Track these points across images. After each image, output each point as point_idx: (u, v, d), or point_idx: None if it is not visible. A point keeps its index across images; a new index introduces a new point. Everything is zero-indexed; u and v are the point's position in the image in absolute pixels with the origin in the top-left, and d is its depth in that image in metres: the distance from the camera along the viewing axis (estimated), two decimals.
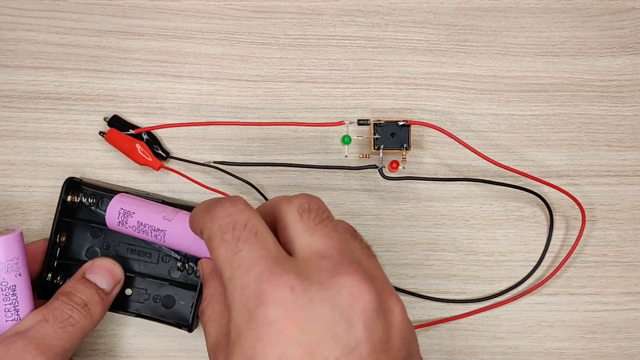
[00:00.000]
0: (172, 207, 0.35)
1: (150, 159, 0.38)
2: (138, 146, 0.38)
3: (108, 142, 0.38)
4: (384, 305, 0.25)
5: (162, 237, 0.34)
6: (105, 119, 0.39)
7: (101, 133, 0.38)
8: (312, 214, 0.27)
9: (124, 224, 0.35)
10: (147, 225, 0.34)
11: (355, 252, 0.28)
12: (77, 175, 0.37)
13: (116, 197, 0.35)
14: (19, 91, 0.39)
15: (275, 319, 0.23)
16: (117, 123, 0.39)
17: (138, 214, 0.34)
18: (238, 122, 0.39)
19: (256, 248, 0.25)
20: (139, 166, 0.39)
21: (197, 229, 0.28)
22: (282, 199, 0.28)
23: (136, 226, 0.34)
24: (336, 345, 0.23)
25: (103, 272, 0.35)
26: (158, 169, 0.38)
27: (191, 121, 0.39)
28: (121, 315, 0.37)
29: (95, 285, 0.34)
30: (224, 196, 0.32)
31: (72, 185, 0.36)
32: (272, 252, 0.25)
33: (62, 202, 0.36)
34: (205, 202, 0.28)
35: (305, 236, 0.26)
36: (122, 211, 0.35)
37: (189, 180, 0.38)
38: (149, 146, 0.38)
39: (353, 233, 0.29)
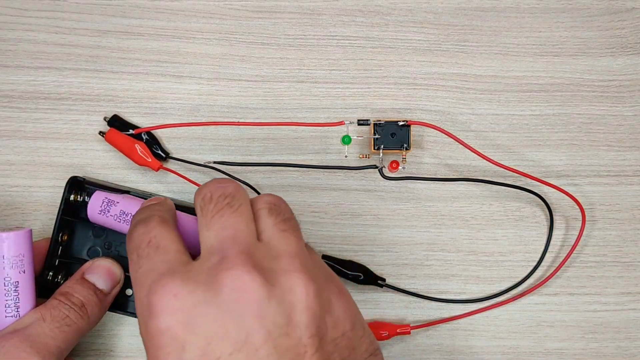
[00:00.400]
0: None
1: (150, 160, 0.38)
2: (137, 147, 0.38)
3: (108, 142, 0.38)
4: (279, 288, 0.25)
5: None
6: (105, 119, 0.39)
7: (101, 133, 0.38)
8: (211, 204, 0.27)
9: (106, 212, 0.35)
10: (130, 215, 0.34)
11: (266, 230, 0.27)
12: (84, 176, 0.37)
13: (99, 190, 0.36)
14: (19, 91, 0.39)
15: (165, 328, 0.24)
16: (117, 123, 0.39)
17: (122, 204, 0.35)
18: (238, 122, 0.39)
19: (153, 262, 0.26)
20: (139, 166, 0.39)
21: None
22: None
23: (118, 215, 0.34)
24: (227, 341, 0.24)
25: (102, 273, 0.35)
26: (157, 170, 0.38)
27: (191, 121, 0.39)
28: (121, 315, 0.37)
29: (94, 285, 0.34)
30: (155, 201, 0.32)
31: (75, 184, 0.36)
32: (169, 263, 0.26)
33: (65, 200, 0.36)
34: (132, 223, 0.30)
35: (203, 232, 0.27)
36: (106, 200, 0.35)
37: (189, 181, 0.38)
38: (148, 147, 0.38)
39: (272, 207, 0.28)
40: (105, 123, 0.39)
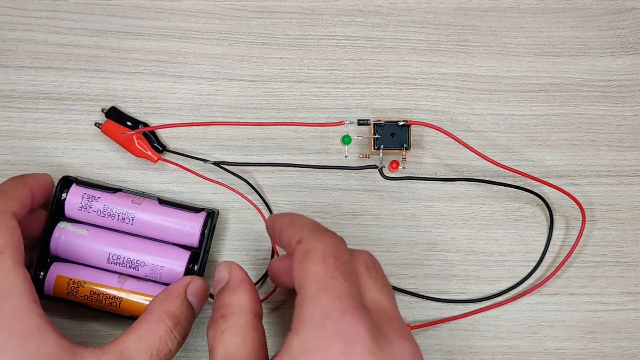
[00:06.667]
0: (136, 195, 0.36)
1: (149, 152, 0.37)
2: (135, 138, 0.37)
3: (104, 133, 0.38)
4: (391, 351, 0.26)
5: (131, 221, 0.35)
6: (102, 110, 0.38)
7: (97, 124, 0.38)
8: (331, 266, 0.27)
9: (88, 208, 0.35)
10: (115, 209, 0.34)
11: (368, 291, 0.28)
12: (77, 175, 0.37)
13: (76, 184, 0.36)
14: (19, 91, 0.39)
15: (340, 355, 0.24)
16: (114, 115, 0.38)
17: (104, 199, 0.35)
18: (238, 122, 0.39)
19: (348, 285, 0.26)
20: (139, 166, 0.39)
21: (289, 235, 0.29)
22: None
23: (102, 210, 0.34)
24: None
25: (202, 297, 0.33)
26: (156, 162, 0.38)
27: (191, 121, 0.39)
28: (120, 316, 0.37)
29: (194, 310, 0.32)
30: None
31: (67, 183, 0.36)
32: (357, 296, 0.26)
33: (56, 200, 0.36)
34: (306, 218, 0.30)
35: (373, 291, 0.28)
36: (85, 196, 0.35)
37: (188, 181, 0.38)
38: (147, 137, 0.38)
39: (369, 267, 0.29)
40: (103, 114, 0.39)
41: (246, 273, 0.30)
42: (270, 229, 0.32)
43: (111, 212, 0.35)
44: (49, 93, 0.39)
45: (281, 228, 0.30)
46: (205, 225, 0.36)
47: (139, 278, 0.36)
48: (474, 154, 0.38)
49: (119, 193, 0.36)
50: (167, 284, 0.35)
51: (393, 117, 0.40)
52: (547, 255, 0.39)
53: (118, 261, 0.35)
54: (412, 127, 0.38)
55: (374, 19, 0.41)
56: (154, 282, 0.36)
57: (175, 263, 0.35)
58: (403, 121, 0.38)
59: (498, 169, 0.38)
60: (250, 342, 0.27)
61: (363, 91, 0.40)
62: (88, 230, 0.36)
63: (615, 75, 0.41)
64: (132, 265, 0.35)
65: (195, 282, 0.32)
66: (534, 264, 0.39)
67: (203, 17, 0.40)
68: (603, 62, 0.41)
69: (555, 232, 0.39)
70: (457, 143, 0.38)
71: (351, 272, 0.27)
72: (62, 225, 0.36)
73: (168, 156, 0.39)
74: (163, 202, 0.36)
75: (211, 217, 0.36)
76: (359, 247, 0.39)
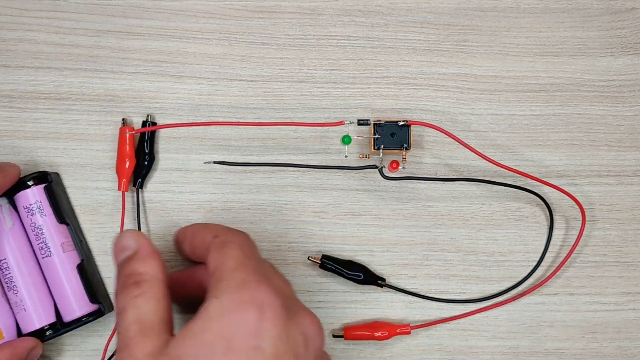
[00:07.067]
0: (73, 242, 0.37)
1: (123, 180, 0.38)
2: (127, 162, 0.38)
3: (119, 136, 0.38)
4: None
5: (45, 254, 0.36)
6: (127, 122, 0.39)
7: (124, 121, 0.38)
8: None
9: (29, 212, 0.35)
10: (46, 235, 0.36)
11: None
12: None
13: (45, 188, 0.36)
14: (19, 91, 0.39)
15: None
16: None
17: (47, 220, 0.36)
18: (238, 122, 0.39)
19: (262, 267, 0.30)
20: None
21: (203, 235, 0.32)
22: None
23: (36, 225, 0.36)
24: None
25: None
26: (119, 189, 0.38)
27: (191, 121, 0.39)
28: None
29: None
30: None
31: (44, 179, 0.36)
32: (268, 277, 0.29)
33: (22, 182, 0.36)
34: (217, 223, 0.33)
35: (278, 281, 0.32)
36: (37, 202, 0.36)
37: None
38: (139, 169, 0.38)
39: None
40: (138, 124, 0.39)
41: (153, 243, 0.31)
42: (181, 236, 0.33)
43: (40, 234, 0.36)
44: (49, 93, 0.39)
45: (193, 232, 0.32)
46: (79, 320, 0.36)
47: None
48: (474, 154, 0.38)
49: (63, 226, 0.36)
50: (8, 328, 0.35)
51: (393, 117, 0.40)
52: (547, 255, 0.39)
53: (4, 270, 0.35)
54: (412, 127, 0.38)
55: (374, 19, 0.41)
56: (7, 310, 0.36)
57: (38, 317, 0.35)
58: (403, 121, 0.38)
59: (498, 169, 0.38)
60: (163, 308, 0.28)
61: (363, 91, 0.40)
62: (13, 225, 0.36)
63: (615, 75, 0.41)
64: (9, 284, 0.35)
65: (38, 350, 0.35)
66: (534, 264, 0.39)
67: (203, 17, 0.40)
68: (603, 62, 0.41)
69: (555, 232, 0.39)
70: (457, 143, 0.38)
71: (263, 262, 0.30)
72: (2, 202, 0.36)
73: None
74: (81, 268, 0.36)
75: (95, 316, 0.36)
76: (359, 247, 0.39)
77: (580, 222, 0.39)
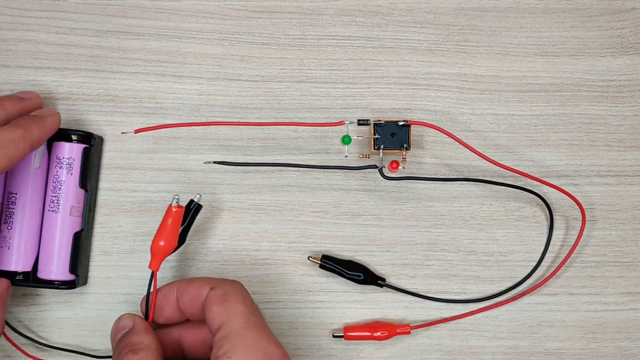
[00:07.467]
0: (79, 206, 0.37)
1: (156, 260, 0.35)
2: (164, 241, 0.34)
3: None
4: None
5: (55, 206, 0.36)
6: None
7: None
8: None
9: (63, 164, 0.36)
10: (62, 190, 0.36)
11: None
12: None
13: (85, 150, 0.37)
14: (19, 91, 0.39)
15: None
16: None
17: (72, 178, 0.36)
18: (238, 122, 0.39)
19: (262, 321, 0.32)
20: (139, 166, 0.39)
21: (195, 289, 0.33)
22: None
23: (57, 178, 0.36)
24: None
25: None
26: (149, 267, 0.35)
27: (191, 121, 0.39)
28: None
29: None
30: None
31: (88, 140, 0.37)
32: (269, 329, 0.32)
33: (66, 133, 0.37)
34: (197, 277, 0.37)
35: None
36: (69, 159, 0.36)
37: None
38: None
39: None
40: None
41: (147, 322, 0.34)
42: (163, 298, 0.34)
43: (58, 188, 0.36)
44: (49, 93, 0.39)
45: (179, 290, 0.33)
46: (51, 282, 0.36)
47: None
48: (474, 154, 0.38)
49: (82, 191, 0.37)
50: None
51: (393, 117, 0.40)
52: (547, 255, 0.39)
53: (9, 204, 0.36)
54: (412, 127, 0.38)
55: (374, 19, 0.41)
56: None
57: (17, 260, 0.36)
58: (403, 121, 0.38)
59: (498, 169, 0.38)
60: None
61: (363, 91, 0.40)
62: (39, 167, 0.36)
63: (615, 75, 0.41)
64: (7, 218, 0.36)
65: (10, 292, 0.35)
66: (534, 264, 0.39)
67: (203, 17, 0.40)
68: (603, 62, 0.41)
69: (555, 232, 0.39)
70: (457, 143, 0.38)
71: (259, 313, 0.32)
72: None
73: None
74: (77, 236, 0.36)
75: (68, 286, 0.36)
76: (359, 247, 0.39)
77: (580, 222, 0.39)
